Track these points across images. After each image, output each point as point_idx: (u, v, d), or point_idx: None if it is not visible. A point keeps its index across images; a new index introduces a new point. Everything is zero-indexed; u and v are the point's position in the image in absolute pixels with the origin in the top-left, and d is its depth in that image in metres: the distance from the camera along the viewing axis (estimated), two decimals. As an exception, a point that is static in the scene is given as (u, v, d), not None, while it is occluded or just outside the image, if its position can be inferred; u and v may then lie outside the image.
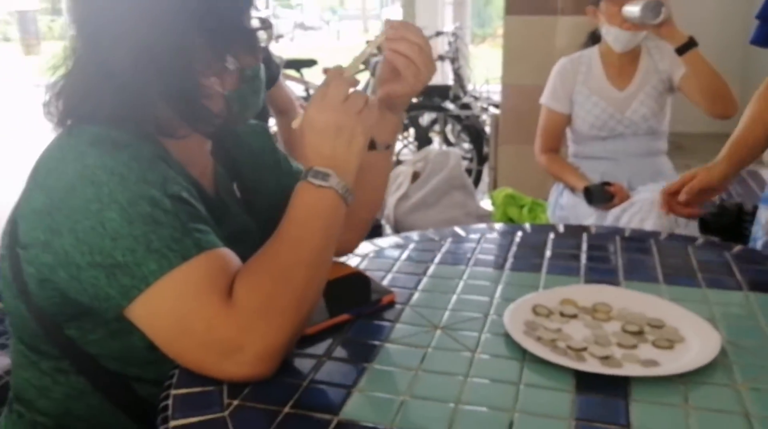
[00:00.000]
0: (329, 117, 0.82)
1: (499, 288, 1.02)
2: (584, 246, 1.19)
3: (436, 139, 4.15)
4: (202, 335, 0.75)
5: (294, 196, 0.82)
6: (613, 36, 1.97)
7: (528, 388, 0.76)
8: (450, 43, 5.10)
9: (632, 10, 1.79)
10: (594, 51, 2.11)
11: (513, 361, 0.82)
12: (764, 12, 1.43)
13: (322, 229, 0.81)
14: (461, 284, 1.04)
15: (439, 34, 5.35)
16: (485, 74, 5.14)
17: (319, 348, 0.85)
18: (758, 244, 1.42)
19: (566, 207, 2.08)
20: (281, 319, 0.76)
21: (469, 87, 4.63)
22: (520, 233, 1.26)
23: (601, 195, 1.90)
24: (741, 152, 1.40)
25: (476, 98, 4.21)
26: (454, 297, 0.99)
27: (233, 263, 0.79)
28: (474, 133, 3.81)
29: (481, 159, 3.69)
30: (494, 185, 2.84)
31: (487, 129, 3.72)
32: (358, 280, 1.03)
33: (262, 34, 0.87)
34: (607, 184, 1.94)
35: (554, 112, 2.11)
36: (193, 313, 0.75)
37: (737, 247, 1.19)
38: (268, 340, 0.75)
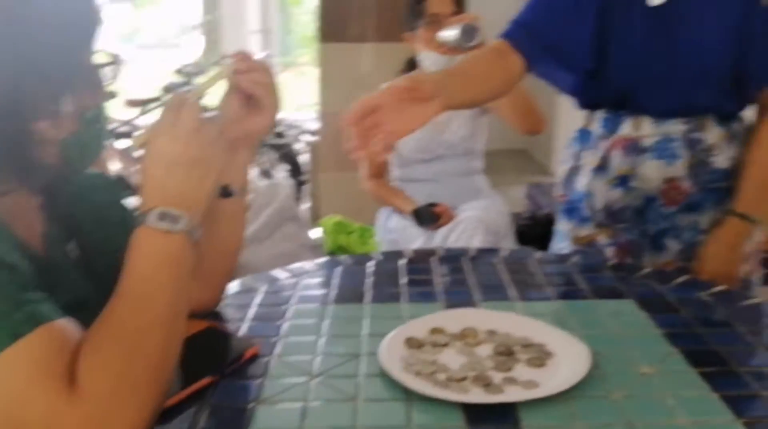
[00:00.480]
0: (182, 149, 0.71)
1: (364, 324, 0.98)
2: (437, 269, 1.19)
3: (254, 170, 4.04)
4: None
5: (134, 246, 0.70)
6: (430, 61, 2.03)
7: (421, 430, 0.72)
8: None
9: (449, 34, 1.85)
10: (412, 79, 2.15)
11: (398, 403, 0.78)
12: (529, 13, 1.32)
13: (173, 280, 0.71)
14: (325, 325, 0.98)
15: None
16: (295, 102, 5.13)
17: (182, 422, 0.75)
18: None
19: (395, 230, 2.09)
20: (138, 400, 0.66)
21: (281, 115, 4.55)
22: (372, 263, 1.23)
23: (429, 216, 1.94)
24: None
25: (290, 126, 4.18)
26: (323, 339, 0.94)
27: (73, 338, 0.67)
28: (291, 162, 3.77)
29: (299, 188, 3.65)
30: (315, 214, 2.82)
31: (302, 157, 3.71)
32: (214, 335, 0.93)
33: (107, 71, 0.76)
34: (434, 205, 1.98)
35: None
36: (26, 404, 0.62)
37: (576, 257, 1.26)
38: (131, 426, 0.65)
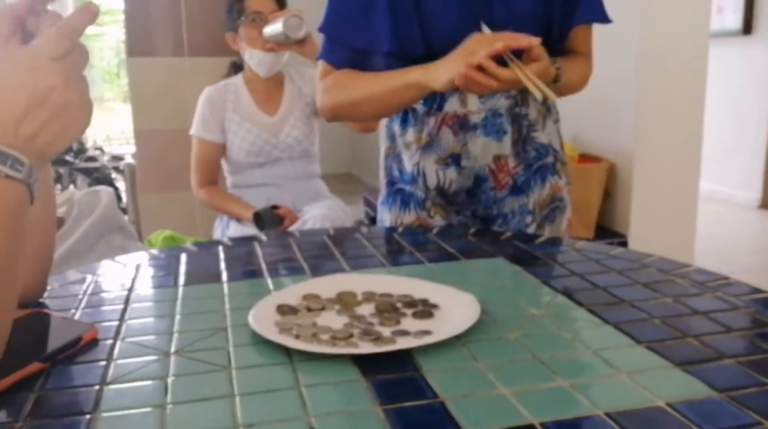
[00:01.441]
0: (28, 77, 0.56)
1: (226, 300, 0.85)
2: (297, 246, 1.09)
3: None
4: None
5: None
6: (257, 60, 1.94)
7: (312, 389, 0.62)
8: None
9: (273, 28, 1.78)
10: (239, 79, 2.05)
11: (279, 366, 0.67)
12: (330, 27, 1.27)
13: (8, 230, 0.56)
14: (178, 305, 0.84)
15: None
16: (105, 134, 4.78)
17: (13, 408, 0.59)
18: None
19: (245, 222, 1.96)
20: None
21: (89, 143, 4.22)
22: (220, 248, 1.10)
23: (271, 219, 1.83)
24: None
25: (102, 151, 3.85)
26: (177, 318, 0.80)
27: None
28: (107, 185, 3.45)
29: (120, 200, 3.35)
30: (140, 236, 2.57)
31: (120, 184, 3.43)
32: (41, 320, 0.76)
33: None
34: (275, 207, 1.88)
35: (207, 142, 1.99)
36: None
37: (437, 229, 1.22)
38: None
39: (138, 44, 2.82)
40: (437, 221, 1.32)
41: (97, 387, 0.63)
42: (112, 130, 4.91)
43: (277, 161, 1.99)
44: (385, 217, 1.36)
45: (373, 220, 2.43)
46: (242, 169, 2.01)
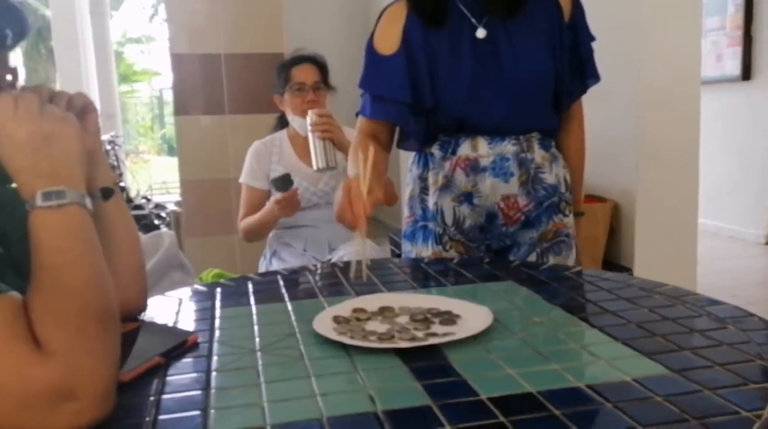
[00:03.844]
0: (35, 128, 0.74)
1: (291, 314, 1.07)
2: (339, 274, 1.31)
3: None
4: (20, 393, 0.66)
5: (37, 228, 0.73)
6: (297, 124, 2.22)
7: (367, 372, 0.83)
8: (107, 151, 4.94)
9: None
10: (283, 134, 2.32)
11: (341, 358, 0.88)
12: (364, 81, 1.53)
13: (87, 244, 0.75)
14: (254, 317, 1.06)
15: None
16: (147, 181, 5.11)
17: (147, 389, 0.80)
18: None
19: (287, 258, 2.18)
20: (99, 351, 0.71)
21: (133, 193, 4.52)
22: (278, 277, 1.32)
23: (286, 182, 2.05)
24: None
25: (147, 199, 4.13)
26: (255, 327, 1.02)
27: (24, 308, 0.70)
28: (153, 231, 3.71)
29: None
30: (187, 277, 2.82)
31: (163, 228, 3.68)
32: (151, 329, 0.98)
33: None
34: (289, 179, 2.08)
35: (254, 189, 2.24)
36: (1, 368, 0.66)
37: (456, 259, 1.43)
38: (99, 374, 0.70)
39: (184, 104, 3.13)
40: (452, 256, 1.51)
41: (205, 374, 0.85)
42: (152, 180, 5.20)
43: (315, 206, 2.23)
44: (409, 248, 1.58)
45: (398, 256, 2.64)
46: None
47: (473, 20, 1.43)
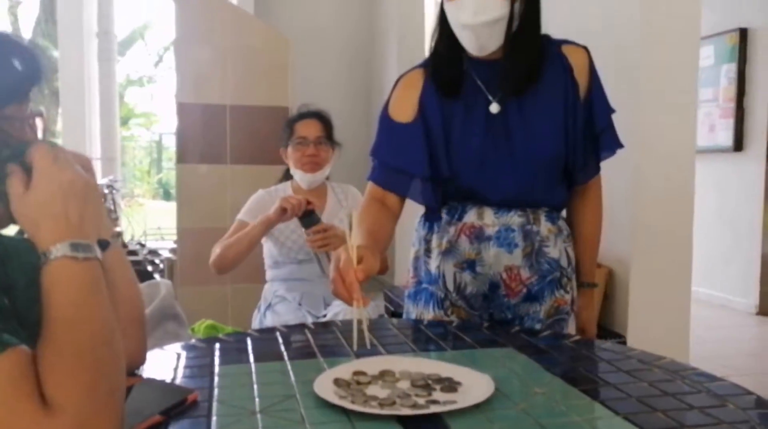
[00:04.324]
0: (73, 178, 0.77)
1: (290, 374, 1.07)
2: (338, 332, 1.31)
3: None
4: None
5: (54, 278, 0.73)
6: (298, 176, 2.26)
7: (368, 439, 0.83)
8: (104, 195, 4.95)
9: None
10: (287, 185, 2.34)
11: (341, 424, 0.87)
12: (378, 150, 1.51)
13: (100, 299, 0.75)
14: (254, 377, 1.06)
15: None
16: (142, 226, 5.11)
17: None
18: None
19: (281, 312, 2.16)
20: (109, 407, 0.71)
21: (127, 238, 4.52)
22: (276, 334, 1.32)
23: (314, 218, 2.06)
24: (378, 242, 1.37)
25: (142, 245, 4.12)
26: (255, 386, 1.01)
27: (33, 363, 0.70)
28: (146, 279, 3.69)
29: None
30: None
31: (157, 276, 3.67)
32: (151, 385, 0.98)
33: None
34: (313, 214, 2.09)
35: (247, 223, 2.20)
36: (5, 424, 0.65)
37: (456, 322, 1.44)
38: None
39: (186, 152, 3.16)
40: (452, 320, 1.50)
41: (207, 433, 0.84)
42: (147, 225, 5.20)
43: (312, 260, 2.24)
44: (411, 309, 1.57)
45: (392, 314, 2.64)
46: (283, 264, 2.25)
47: (488, 94, 1.43)
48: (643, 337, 2.58)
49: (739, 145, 4.99)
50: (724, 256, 5.17)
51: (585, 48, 1.48)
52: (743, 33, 4.96)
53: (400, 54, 4.25)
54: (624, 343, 2.61)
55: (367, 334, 1.12)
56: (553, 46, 1.45)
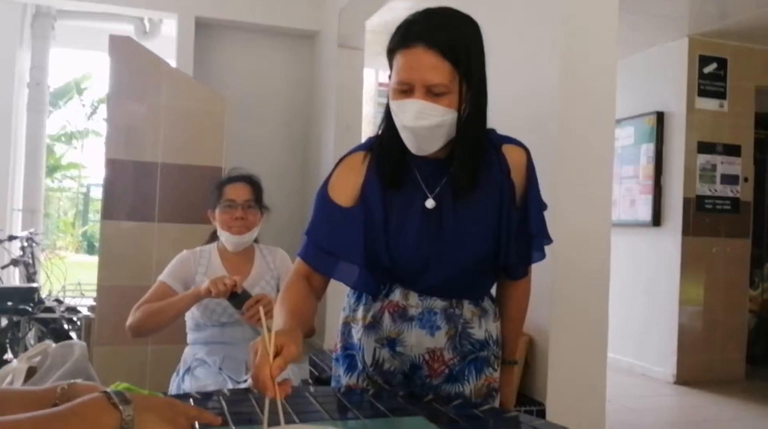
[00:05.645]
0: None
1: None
2: (254, 404, 1.30)
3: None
4: None
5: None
6: (224, 238, 2.26)
7: None
8: (23, 248, 4.79)
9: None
10: (213, 246, 2.34)
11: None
12: (313, 230, 1.46)
13: None
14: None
15: (12, 238, 5.06)
16: (62, 281, 4.93)
17: None
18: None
19: (201, 377, 2.11)
20: None
21: (44, 294, 4.35)
22: (191, 400, 1.31)
23: (245, 296, 2.05)
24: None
25: (59, 301, 3.98)
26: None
27: None
28: (62, 337, 3.55)
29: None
30: (90, 389, 2.67)
31: (74, 335, 3.54)
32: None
33: None
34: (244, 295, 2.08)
35: (169, 287, 2.19)
36: None
37: (371, 391, 1.45)
38: None
39: (113, 208, 3.11)
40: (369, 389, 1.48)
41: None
42: (68, 280, 5.04)
43: (236, 323, 2.21)
44: (336, 371, 1.56)
45: (317, 380, 2.62)
46: (204, 327, 2.22)
47: (426, 190, 1.43)
48: (562, 404, 2.64)
49: (657, 219, 5.26)
50: (644, 326, 5.36)
51: (524, 148, 1.50)
52: (660, 116, 5.30)
53: (339, 120, 4.34)
54: (543, 410, 2.66)
55: (281, 414, 1.10)
56: (494, 146, 1.46)
